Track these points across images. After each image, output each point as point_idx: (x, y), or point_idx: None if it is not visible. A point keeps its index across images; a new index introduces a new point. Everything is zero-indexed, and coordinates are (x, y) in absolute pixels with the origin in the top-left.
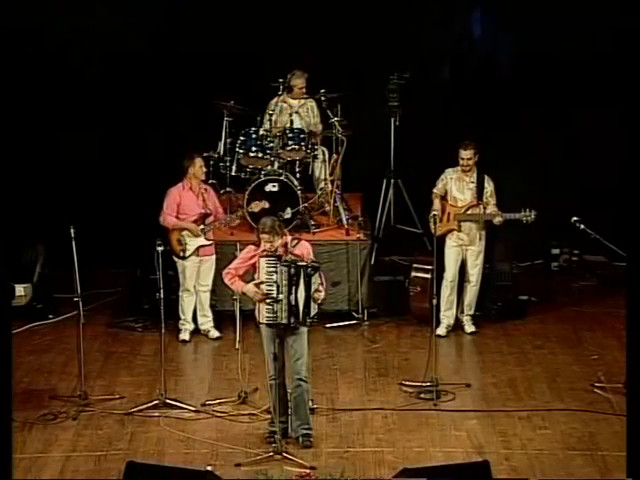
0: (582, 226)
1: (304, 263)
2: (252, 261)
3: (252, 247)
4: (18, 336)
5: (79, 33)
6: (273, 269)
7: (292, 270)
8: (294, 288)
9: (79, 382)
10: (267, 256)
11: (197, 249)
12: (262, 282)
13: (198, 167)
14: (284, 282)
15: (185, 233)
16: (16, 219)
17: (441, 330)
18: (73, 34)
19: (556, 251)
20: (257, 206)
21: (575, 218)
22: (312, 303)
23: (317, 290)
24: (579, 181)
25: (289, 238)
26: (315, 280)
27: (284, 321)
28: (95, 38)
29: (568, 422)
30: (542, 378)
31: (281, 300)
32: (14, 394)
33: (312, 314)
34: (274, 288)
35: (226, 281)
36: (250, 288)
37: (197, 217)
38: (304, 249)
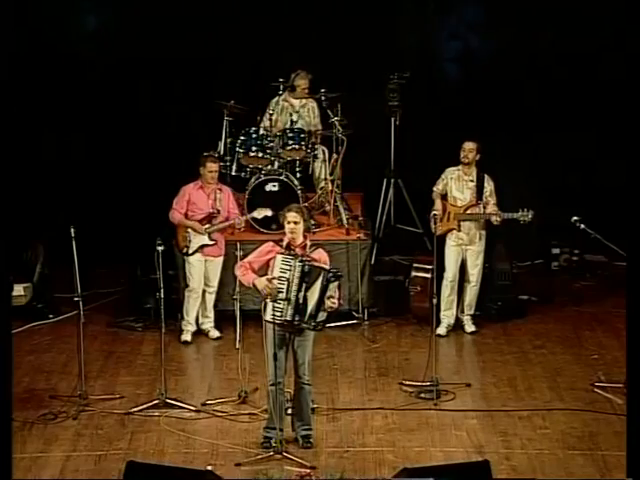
0: (582, 226)
1: (327, 267)
2: (268, 257)
3: (271, 243)
4: (18, 336)
5: (81, 35)
6: (288, 267)
7: (306, 268)
8: (304, 286)
9: (79, 382)
10: (284, 253)
11: (201, 247)
12: (274, 278)
13: (207, 171)
14: (295, 279)
15: (190, 230)
16: (16, 219)
17: (441, 330)
18: (75, 36)
19: (556, 251)
20: (260, 213)
21: (575, 218)
22: (322, 309)
23: (331, 297)
24: (579, 181)
25: (308, 242)
26: (332, 287)
27: (288, 317)
28: (96, 39)
29: (568, 422)
30: (542, 378)
31: (288, 295)
32: (14, 394)
33: (318, 319)
34: (285, 286)
35: (238, 273)
36: (262, 281)
37: (204, 216)
38: (321, 255)
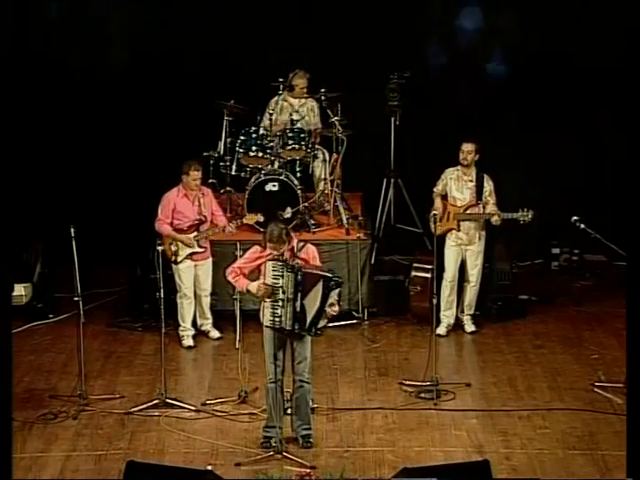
0: (582, 226)
1: (329, 275)
2: (257, 262)
3: (258, 247)
4: (18, 336)
5: (81, 35)
6: (279, 273)
7: (299, 277)
8: (300, 295)
9: (79, 381)
10: (274, 260)
11: (190, 254)
12: (268, 285)
13: (191, 179)
14: (290, 288)
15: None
16: (16, 219)
17: (441, 330)
18: (74, 36)
19: (556, 251)
20: (252, 219)
21: (575, 218)
22: (323, 316)
23: (332, 304)
24: (579, 181)
25: (295, 242)
26: (334, 294)
27: (288, 327)
28: (95, 38)
29: (568, 421)
30: (542, 377)
31: (285, 304)
32: (14, 394)
33: (320, 325)
34: (279, 292)
35: (230, 278)
36: (254, 285)
37: (191, 224)
38: (310, 253)
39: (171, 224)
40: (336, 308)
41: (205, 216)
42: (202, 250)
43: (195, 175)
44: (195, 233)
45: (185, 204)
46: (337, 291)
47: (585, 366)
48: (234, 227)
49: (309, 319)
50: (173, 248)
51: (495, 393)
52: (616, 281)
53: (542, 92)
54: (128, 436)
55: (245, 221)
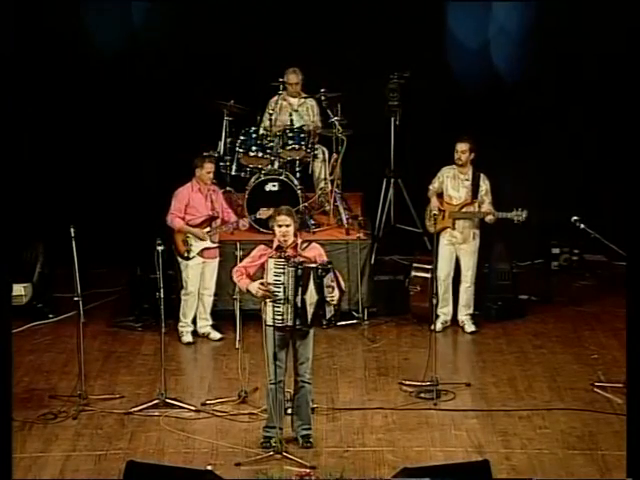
0: (582, 225)
1: (314, 265)
2: (261, 260)
3: (262, 247)
4: (18, 335)
5: (80, 33)
6: (281, 270)
7: (299, 272)
8: (301, 290)
9: (79, 381)
10: (276, 257)
11: (202, 251)
12: (269, 283)
13: (205, 172)
14: (291, 284)
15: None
16: (16, 219)
17: (437, 325)
18: (74, 34)
19: (556, 251)
20: (265, 213)
21: (575, 218)
22: (327, 305)
23: (329, 287)
24: (579, 181)
25: (300, 240)
26: (327, 280)
27: (290, 323)
28: (96, 38)
29: (568, 421)
30: (542, 377)
31: (288, 302)
32: (14, 394)
33: (328, 316)
34: (281, 290)
35: (234, 278)
36: (254, 285)
37: (204, 219)
38: (315, 251)
39: (183, 219)
40: (335, 294)
41: (217, 211)
42: (214, 246)
43: (209, 167)
44: (208, 228)
45: (199, 199)
46: (330, 276)
47: (585, 366)
48: (247, 223)
49: (310, 313)
50: (186, 244)
51: (495, 393)
52: (616, 281)
53: (543, 92)
54: (128, 436)
55: (258, 216)
